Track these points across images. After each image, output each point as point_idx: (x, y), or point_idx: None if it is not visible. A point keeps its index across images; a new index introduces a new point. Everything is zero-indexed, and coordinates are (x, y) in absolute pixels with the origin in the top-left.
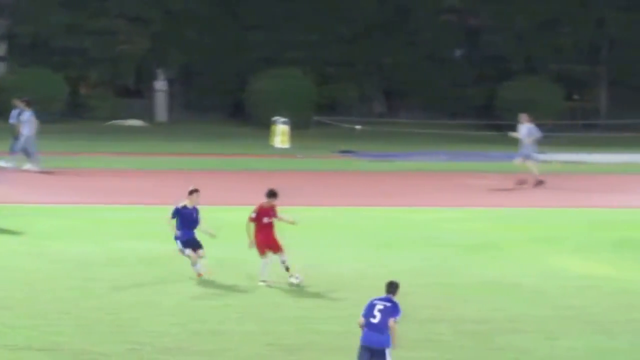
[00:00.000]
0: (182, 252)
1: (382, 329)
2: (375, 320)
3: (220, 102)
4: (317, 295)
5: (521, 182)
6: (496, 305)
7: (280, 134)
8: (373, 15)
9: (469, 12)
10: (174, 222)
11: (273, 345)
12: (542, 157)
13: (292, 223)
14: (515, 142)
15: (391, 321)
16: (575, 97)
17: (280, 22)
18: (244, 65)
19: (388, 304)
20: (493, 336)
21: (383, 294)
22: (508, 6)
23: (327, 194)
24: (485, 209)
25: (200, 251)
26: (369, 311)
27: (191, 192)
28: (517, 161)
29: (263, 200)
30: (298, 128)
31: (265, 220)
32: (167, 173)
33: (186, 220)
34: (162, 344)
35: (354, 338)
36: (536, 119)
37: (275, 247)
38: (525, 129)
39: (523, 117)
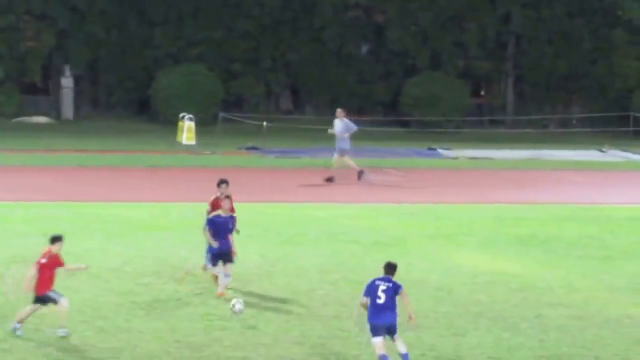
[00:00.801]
0: (209, 268)
1: (391, 307)
2: (381, 301)
3: (127, 99)
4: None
5: (329, 179)
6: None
7: (187, 130)
8: (279, 12)
9: (375, 8)
10: (207, 233)
11: (180, 342)
12: (448, 153)
13: None
14: (422, 136)
15: (402, 294)
16: (481, 93)
17: (186, 18)
18: (150, 62)
19: (389, 284)
20: (400, 332)
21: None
22: (413, 3)
23: (232, 190)
24: (391, 204)
25: (228, 266)
26: (373, 292)
27: (223, 198)
28: (335, 157)
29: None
30: (204, 125)
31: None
32: (72, 170)
33: (221, 229)
34: (68, 342)
35: (260, 334)
36: (442, 115)
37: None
38: (341, 124)
39: (339, 112)
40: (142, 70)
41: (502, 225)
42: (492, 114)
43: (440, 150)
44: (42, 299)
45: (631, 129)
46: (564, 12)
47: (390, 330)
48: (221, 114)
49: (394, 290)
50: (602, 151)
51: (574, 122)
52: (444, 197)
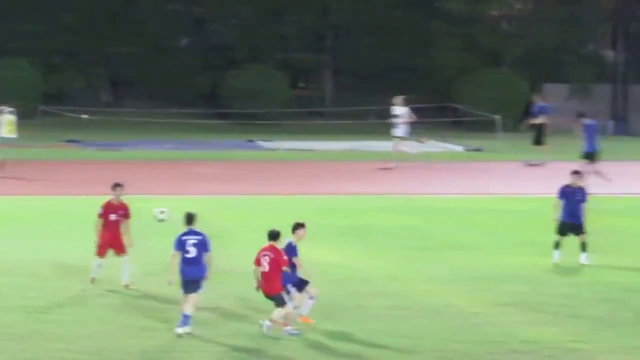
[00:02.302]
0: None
1: (200, 261)
2: (190, 255)
3: None
4: (42, 285)
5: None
6: (227, 292)
7: (7, 124)
8: (99, 5)
9: (195, 1)
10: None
11: (0, 335)
12: (267, 145)
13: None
14: (242, 128)
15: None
16: (301, 85)
17: (5, 11)
18: None
19: (200, 237)
20: (223, 323)
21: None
22: None
23: (53, 183)
24: (213, 196)
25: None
26: (182, 246)
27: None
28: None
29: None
30: (25, 118)
31: (113, 217)
32: None
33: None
34: None
35: (82, 327)
36: (262, 107)
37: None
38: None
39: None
40: None
41: (322, 216)
42: (312, 105)
43: (259, 142)
44: None
45: (450, 119)
46: (382, 4)
47: (190, 286)
48: (41, 107)
49: (203, 244)
50: (421, 142)
51: None
52: (264, 188)
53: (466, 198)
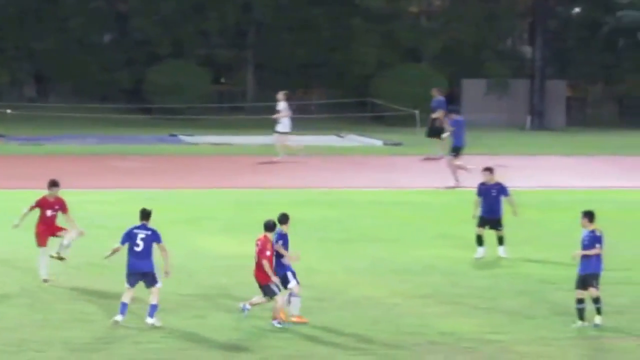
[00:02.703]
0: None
1: (147, 255)
2: (139, 249)
3: None
4: None
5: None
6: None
7: None
8: (23, 1)
9: None
10: None
11: None
12: (189, 139)
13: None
14: (165, 122)
15: (162, 247)
16: (223, 80)
17: None
18: None
19: (148, 232)
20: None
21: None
22: None
23: None
24: (135, 190)
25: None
26: (132, 239)
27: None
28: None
29: None
30: None
31: (49, 213)
32: None
33: None
34: None
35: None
36: (184, 102)
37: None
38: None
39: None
40: None
41: (244, 209)
42: (233, 100)
43: (181, 137)
44: None
45: (369, 114)
46: (303, 1)
47: (146, 278)
48: None
49: (153, 239)
50: (340, 136)
51: (313, 108)
52: (186, 182)
53: (385, 191)
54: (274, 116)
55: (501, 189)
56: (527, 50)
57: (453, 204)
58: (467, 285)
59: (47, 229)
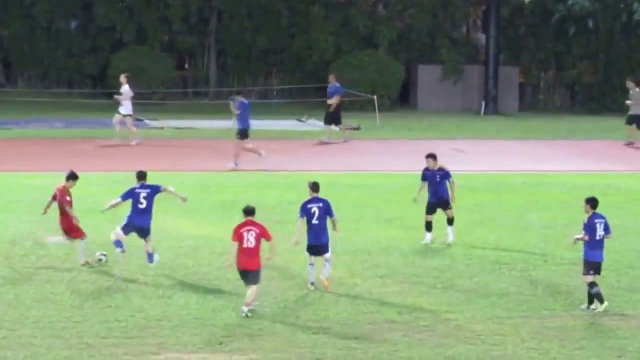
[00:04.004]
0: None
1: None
2: (142, 206)
3: None
4: None
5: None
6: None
7: None
8: None
9: None
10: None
11: None
12: (154, 123)
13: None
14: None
15: (165, 188)
16: (185, 66)
17: None
18: None
19: (148, 190)
20: (103, 295)
21: None
22: None
23: None
24: (101, 173)
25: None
26: (135, 198)
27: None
28: None
29: None
30: None
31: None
32: None
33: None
34: None
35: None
36: (148, 87)
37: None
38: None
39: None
40: None
41: (206, 192)
42: (196, 86)
43: (146, 121)
44: None
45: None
46: None
47: (142, 232)
48: None
49: (154, 192)
50: (302, 121)
51: (275, 93)
52: (151, 165)
53: (343, 174)
54: (115, 97)
55: (445, 174)
56: (480, 37)
57: (408, 186)
58: (423, 266)
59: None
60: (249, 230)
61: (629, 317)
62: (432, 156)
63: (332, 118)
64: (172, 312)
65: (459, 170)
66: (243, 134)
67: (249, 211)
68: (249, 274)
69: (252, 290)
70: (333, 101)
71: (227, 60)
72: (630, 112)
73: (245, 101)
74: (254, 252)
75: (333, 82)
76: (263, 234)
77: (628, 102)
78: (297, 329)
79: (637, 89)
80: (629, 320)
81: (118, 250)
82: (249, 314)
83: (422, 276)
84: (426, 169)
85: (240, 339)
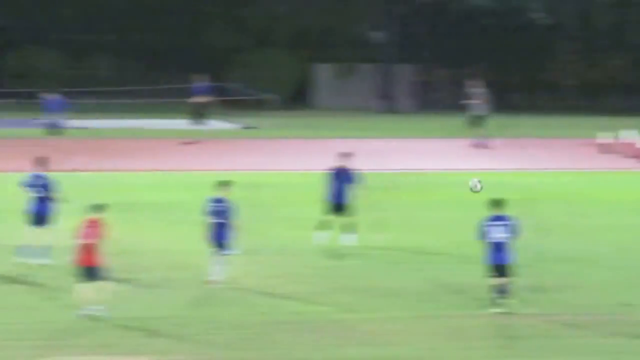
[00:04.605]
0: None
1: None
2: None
3: None
4: None
5: None
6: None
7: None
8: None
9: None
10: None
11: None
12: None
13: None
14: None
15: None
16: (79, 65)
17: None
18: None
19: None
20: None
21: None
22: None
23: None
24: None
25: None
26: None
27: None
28: None
29: None
30: None
31: None
32: None
33: None
34: None
35: None
36: (42, 86)
37: None
38: None
39: None
40: None
41: (98, 193)
42: (89, 84)
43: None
44: None
45: (225, 98)
46: None
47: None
48: None
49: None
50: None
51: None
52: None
53: (241, 173)
54: None
55: (349, 176)
56: (376, 35)
57: (303, 186)
58: (317, 266)
59: None
60: (88, 227)
61: (525, 316)
62: (345, 154)
63: (199, 115)
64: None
65: (354, 170)
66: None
67: (95, 208)
68: (86, 271)
69: (91, 288)
70: (200, 100)
71: (124, 59)
72: (474, 112)
73: (55, 98)
74: (90, 248)
75: (198, 82)
76: (97, 232)
77: (469, 102)
78: (185, 329)
79: (479, 89)
80: (524, 319)
81: None
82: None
83: (317, 276)
84: (333, 168)
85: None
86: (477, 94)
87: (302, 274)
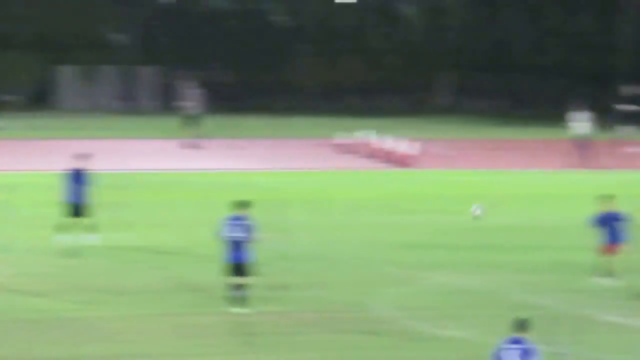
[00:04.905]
0: None
1: None
2: None
3: None
4: None
5: None
6: None
7: None
8: None
9: None
10: None
11: None
12: None
13: None
14: None
15: None
16: None
17: None
18: None
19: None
20: None
21: None
22: None
23: None
24: None
25: None
26: None
27: None
28: None
29: None
30: None
31: None
32: None
33: None
34: None
35: None
36: None
37: None
38: None
39: None
40: None
41: None
42: None
43: None
44: None
45: None
46: None
47: None
48: None
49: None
50: None
51: None
52: None
53: None
54: None
55: (84, 176)
56: (118, 37)
57: (47, 186)
58: (59, 265)
59: None
60: None
61: (265, 313)
62: (83, 155)
63: None
64: None
65: (94, 170)
66: None
67: None
68: None
69: None
70: None
71: None
72: (187, 113)
73: None
74: None
75: None
76: None
77: (183, 102)
78: None
79: (194, 90)
80: (263, 316)
81: None
82: None
83: (58, 275)
84: (69, 170)
85: None
86: (191, 95)
87: (44, 273)
